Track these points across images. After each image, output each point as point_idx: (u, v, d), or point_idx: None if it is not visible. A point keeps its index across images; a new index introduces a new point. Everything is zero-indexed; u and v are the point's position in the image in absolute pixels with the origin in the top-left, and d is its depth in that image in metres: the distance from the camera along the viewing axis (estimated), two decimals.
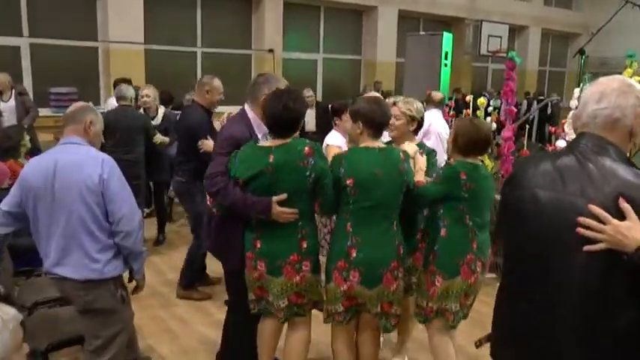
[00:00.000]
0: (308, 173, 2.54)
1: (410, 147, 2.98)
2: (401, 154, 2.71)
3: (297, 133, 2.68)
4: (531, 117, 11.68)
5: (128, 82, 6.99)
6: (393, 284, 2.65)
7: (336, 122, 4.42)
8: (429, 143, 4.15)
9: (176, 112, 6.59)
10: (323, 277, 2.78)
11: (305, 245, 2.64)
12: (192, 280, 4.42)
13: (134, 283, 2.76)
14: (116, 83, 6.82)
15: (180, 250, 5.52)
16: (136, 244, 2.52)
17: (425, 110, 3.76)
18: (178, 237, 5.91)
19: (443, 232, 2.74)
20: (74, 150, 2.48)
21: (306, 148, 2.55)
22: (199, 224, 3.93)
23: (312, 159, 2.54)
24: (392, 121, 3.05)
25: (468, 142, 2.71)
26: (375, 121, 2.66)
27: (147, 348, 3.56)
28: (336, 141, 4.28)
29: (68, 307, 3.07)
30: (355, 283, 2.59)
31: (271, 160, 2.54)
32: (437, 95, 5.34)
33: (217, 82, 4.17)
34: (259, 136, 2.84)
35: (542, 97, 13.02)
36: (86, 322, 2.58)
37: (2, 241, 2.53)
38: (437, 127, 4.92)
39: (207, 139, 3.97)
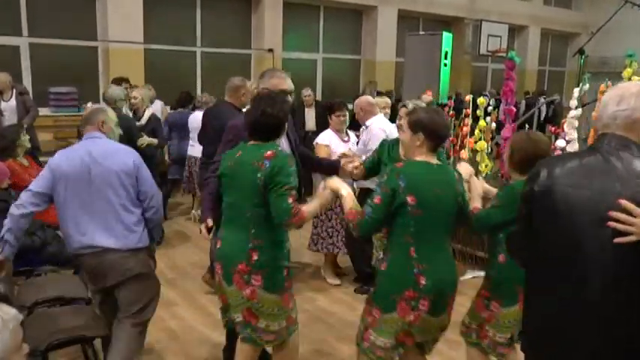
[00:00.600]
0: (259, 175, 2.41)
1: (464, 168, 2.78)
2: (456, 173, 2.54)
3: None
4: (542, 116, 11.65)
5: (126, 81, 7.01)
6: (451, 310, 2.52)
7: (330, 121, 4.45)
8: None
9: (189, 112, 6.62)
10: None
11: (255, 257, 2.47)
12: None
13: None
14: (114, 83, 6.84)
15: (179, 249, 5.53)
16: (160, 218, 3.00)
17: None
18: (177, 237, 5.92)
19: (501, 257, 2.57)
20: (101, 142, 2.87)
21: (269, 152, 2.44)
22: None
23: (269, 162, 2.41)
24: (403, 121, 2.96)
25: (524, 158, 2.49)
26: (437, 134, 2.43)
27: (146, 347, 3.56)
28: (325, 140, 4.30)
29: (68, 307, 3.09)
30: (423, 312, 2.37)
31: (237, 155, 2.53)
32: (426, 98, 5.70)
33: (249, 84, 4.48)
34: None
35: (548, 97, 12.95)
36: (125, 291, 2.85)
37: (30, 219, 2.80)
38: None
39: None
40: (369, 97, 4.57)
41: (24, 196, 2.75)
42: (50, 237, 3.77)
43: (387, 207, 2.33)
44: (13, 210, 2.71)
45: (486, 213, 2.51)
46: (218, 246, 2.59)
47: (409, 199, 2.30)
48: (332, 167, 3.46)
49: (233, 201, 2.55)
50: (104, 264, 2.75)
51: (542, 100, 12.00)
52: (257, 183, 2.42)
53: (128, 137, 5.03)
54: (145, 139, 5.15)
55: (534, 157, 2.44)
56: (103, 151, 2.80)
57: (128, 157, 2.83)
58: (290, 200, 2.42)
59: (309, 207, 2.60)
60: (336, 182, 2.62)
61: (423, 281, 2.34)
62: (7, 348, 1.55)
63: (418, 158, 2.43)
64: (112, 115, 3.04)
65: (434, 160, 2.44)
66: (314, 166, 3.71)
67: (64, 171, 2.73)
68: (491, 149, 5.88)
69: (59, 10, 8.36)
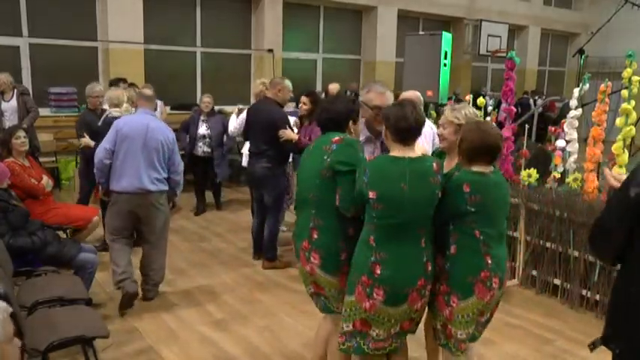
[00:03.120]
0: (325, 157, 2.55)
1: (420, 149, 2.58)
2: (434, 164, 2.46)
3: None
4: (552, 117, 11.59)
5: (124, 81, 7.02)
6: (418, 303, 2.50)
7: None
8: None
9: None
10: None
11: (315, 236, 2.63)
12: (275, 252, 5.13)
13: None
14: (112, 83, 6.85)
15: (179, 249, 5.53)
16: (180, 180, 4.27)
17: None
18: (177, 237, 5.91)
19: (452, 249, 2.52)
20: (154, 118, 4.17)
21: (337, 137, 2.60)
22: (280, 203, 5.12)
23: (336, 146, 2.56)
24: (440, 130, 2.84)
25: (472, 148, 2.47)
26: (396, 126, 2.44)
27: (147, 348, 3.57)
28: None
29: (68, 307, 3.09)
30: (379, 302, 2.42)
31: (311, 146, 2.79)
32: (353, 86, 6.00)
33: (287, 82, 5.05)
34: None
35: (547, 98, 12.87)
36: (150, 224, 4.12)
37: (109, 169, 4.05)
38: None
39: (286, 129, 4.82)
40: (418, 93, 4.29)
41: (102, 152, 3.97)
42: (50, 237, 3.76)
43: (356, 195, 2.47)
44: (100, 164, 4.00)
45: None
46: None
47: (371, 194, 2.38)
48: None
49: (301, 183, 2.77)
50: (145, 200, 4.03)
51: (538, 100, 11.93)
52: (322, 166, 2.56)
53: (89, 134, 5.28)
54: (82, 140, 5.34)
55: (481, 148, 2.46)
56: (156, 126, 4.07)
57: (170, 133, 4.15)
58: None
59: None
60: None
61: (378, 270, 2.40)
62: None
63: (392, 152, 2.48)
64: None
65: (410, 154, 2.44)
66: None
67: (127, 134, 3.96)
68: None
69: (59, 10, 8.36)
